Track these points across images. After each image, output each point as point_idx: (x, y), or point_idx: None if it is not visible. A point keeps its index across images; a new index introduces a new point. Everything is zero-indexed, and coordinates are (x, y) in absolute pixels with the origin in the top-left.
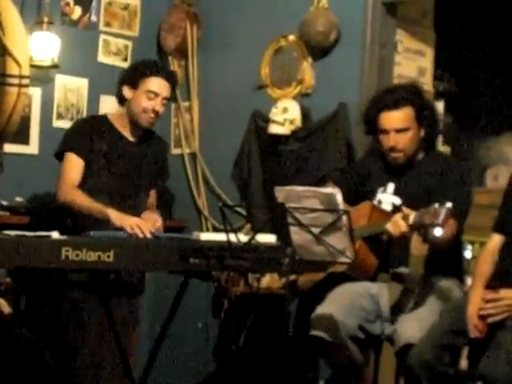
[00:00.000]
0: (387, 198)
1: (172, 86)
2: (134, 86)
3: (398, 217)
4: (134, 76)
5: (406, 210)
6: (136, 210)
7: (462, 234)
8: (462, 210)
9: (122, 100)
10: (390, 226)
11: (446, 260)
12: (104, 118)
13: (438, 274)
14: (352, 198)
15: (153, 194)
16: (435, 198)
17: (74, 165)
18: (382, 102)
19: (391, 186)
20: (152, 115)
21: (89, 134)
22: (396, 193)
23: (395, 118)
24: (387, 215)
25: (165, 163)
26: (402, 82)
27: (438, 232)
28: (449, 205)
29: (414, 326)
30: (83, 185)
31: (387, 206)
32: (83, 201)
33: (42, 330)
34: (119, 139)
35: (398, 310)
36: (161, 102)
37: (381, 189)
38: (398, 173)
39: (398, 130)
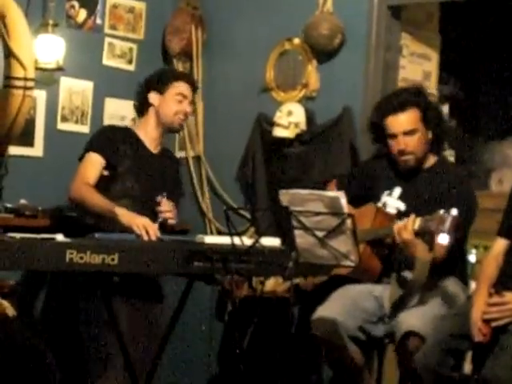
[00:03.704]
0: (392, 202)
1: (194, 89)
2: (161, 91)
3: (402, 223)
4: (160, 82)
5: (411, 216)
6: (156, 217)
7: (466, 242)
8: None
9: (143, 109)
10: (394, 231)
11: (451, 264)
12: (127, 128)
13: (443, 277)
14: (356, 200)
15: None
16: (438, 209)
17: (93, 163)
18: (387, 107)
19: (397, 191)
20: (183, 117)
21: (113, 137)
22: (401, 198)
23: (402, 121)
24: (391, 218)
25: (180, 183)
26: (404, 86)
27: (443, 239)
28: (454, 212)
29: (414, 315)
30: (108, 187)
31: (391, 210)
32: (93, 197)
33: (47, 332)
34: (143, 149)
35: (398, 308)
36: (189, 104)
37: (387, 192)
38: (405, 178)
39: (406, 133)
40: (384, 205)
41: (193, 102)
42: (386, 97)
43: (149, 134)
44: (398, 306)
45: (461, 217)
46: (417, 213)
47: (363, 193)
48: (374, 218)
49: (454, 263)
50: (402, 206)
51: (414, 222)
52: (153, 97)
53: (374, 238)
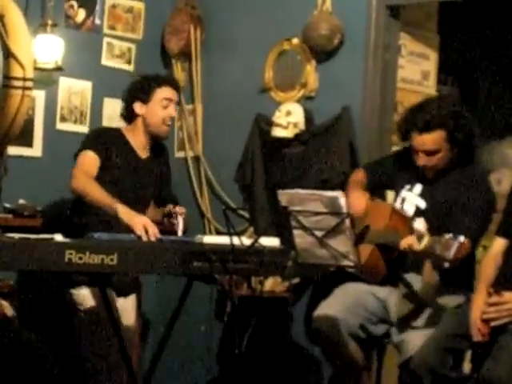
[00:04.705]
0: (412, 198)
1: (177, 91)
2: (146, 100)
3: (411, 239)
4: (143, 91)
5: (422, 230)
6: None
7: (476, 249)
8: (478, 231)
9: (131, 118)
10: (400, 245)
11: (459, 270)
12: (118, 131)
13: (451, 288)
14: (376, 188)
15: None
16: (456, 212)
17: (91, 159)
18: (414, 122)
19: (419, 187)
20: (170, 123)
21: (106, 143)
22: (422, 195)
23: (425, 141)
24: (406, 221)
25: (169, 171)
26: (441, 96)
27: (446, 264)
28: (461, 239)
29: (422, 338)
30: None
31: (410, 207)
32: (96, 190)
33: (46, 331)
34: (132, 155)
35: (405, 323)
36: (174, 107)
37: (407, 186)
38: (429, 176)
39: (428, 153)
40: (403, 199)
41: (178, 103)
42: (416, 108)
43: (138, 141)
44: (406, 321)
45: (474, 224)
46: (435, 211)
47: (384, 183)
48: (389, 219)
49: (463, 272)
50: (422, 204)
51: (421, 242)
52: (138, 106)
53: (382, 243)
